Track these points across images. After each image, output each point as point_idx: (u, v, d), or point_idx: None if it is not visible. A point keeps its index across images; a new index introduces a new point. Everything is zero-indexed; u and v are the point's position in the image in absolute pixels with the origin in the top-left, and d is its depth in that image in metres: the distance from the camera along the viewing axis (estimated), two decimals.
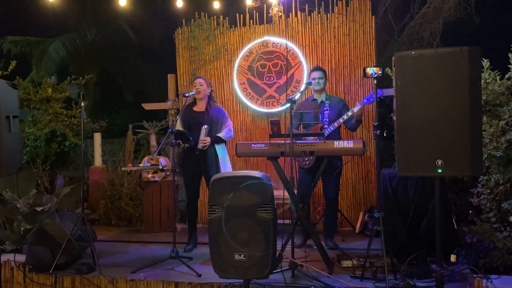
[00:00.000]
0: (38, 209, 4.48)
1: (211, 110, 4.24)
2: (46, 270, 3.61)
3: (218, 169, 4.15)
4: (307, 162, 4.01)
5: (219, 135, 4.19)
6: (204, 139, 4.08)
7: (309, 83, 4.10)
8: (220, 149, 4.23)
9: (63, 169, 7.05)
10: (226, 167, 4.21)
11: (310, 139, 3.82)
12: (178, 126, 4.20)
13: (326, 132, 4.01)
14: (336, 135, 4.12)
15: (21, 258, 3.81)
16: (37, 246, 3.68)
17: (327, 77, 5.15)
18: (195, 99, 4.31)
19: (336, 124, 4.02)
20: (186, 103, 4.20)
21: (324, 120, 4.09)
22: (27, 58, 11.52)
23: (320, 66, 5.11)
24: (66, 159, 7.74)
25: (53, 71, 11.52)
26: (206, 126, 4.10)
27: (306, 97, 4.64)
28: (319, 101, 4.22)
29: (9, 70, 5.83)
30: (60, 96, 6.39)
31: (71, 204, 5.32)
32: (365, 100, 3.90)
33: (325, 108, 4.13)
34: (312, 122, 4.10)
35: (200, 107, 4.29)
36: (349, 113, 3.97)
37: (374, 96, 3.82)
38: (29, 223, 4.39)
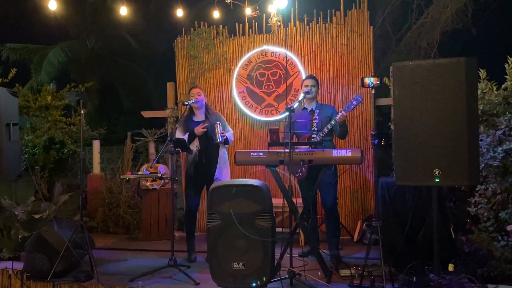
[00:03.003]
0: (36, 216, 4.48)
1: (211, 117, 4.28)
2: (44, 278, 3.60)
3: (221, 173, 4.20)
4: (301, 174, 4.00)
5: (226, 135, 4.22)
6: (222, 132, 4.12)
7: (307, 92, 4.11)
8: (224, 153, 4.27)
9: (61, 176, 7.04)
10: (226, 173, 4.24)
11: (304, 148, 3.82)
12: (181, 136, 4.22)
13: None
14: (329, 143, 4.10)
15: (19, 265, 3.81)
16: (35, 253, 3.67)
17: (326, 87, 5.22)
18: (192, 109, 4.34)
19: (321, 134, 4.00)
20: (185, 114, 4.23)
21: (314, 129, 4.08)
22: (26, 66, 11.56)
23: (319, 75, 5.15)
24: (65, 167, 7.73)
25: (52, 76, 11.55)
26: (218, 122, 4.14)
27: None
28: (309, 109, 4.22)
29: (9, 78, 5.85)
30: (59, 103, 6.40)
31: (69, 212, 5.31)
32: (345, 108, 3.88)
33: (315, 117, 4.13)
34: (302, 131, 4.08)
35: (199, 116, 4.32)
36: (332, 122, 3.95)
37: (353, 103, 3.81)
38: (27, 230, 4.39)
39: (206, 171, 4.19)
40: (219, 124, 4.13)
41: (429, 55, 6.68)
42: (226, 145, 4.25)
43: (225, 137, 4.12)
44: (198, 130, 4.13)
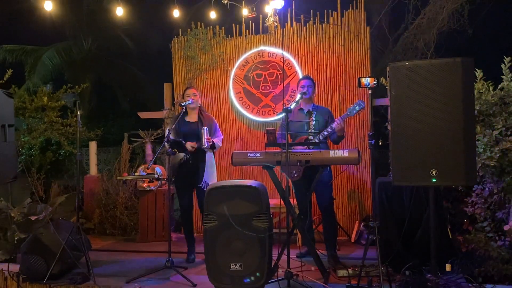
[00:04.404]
0: (33, 218, 4.45)
1: (204, 119, 4.27)
2: (40, 280, 3.58)
3: (209, 177, 4.18)
4: (296, 175, 3.99)
5: (213, 140, 4.20)
6: (209, 138, 4.09)
7: (304, 93, 4.10)
8: (211, 157, 4.26)
9: (58, 177, 7.03)
10: (213, 177, 4.23)
11: (301, 148, 3.81)
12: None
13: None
14: (324, 145, 4.09)
15: (15, 267, 3.78)
16: (31, 255, 3.65)
17: (323, 87, 5.22)
18: (186, 110, 4.32)
19: (320, 137, 3.98)
20: (181, 114, 4.22)
21: (310, 130, 4.07)
22: (22, 67, 11.52)
23: (316, 75, 5.15)
24: (61, 168, 7.71)
25: (47, 79, 11.52)
26: (205, 127, 4.12)
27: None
28: (305, 110, 4.20)
29: (4, 79, 5.82)
30: (55, 104, 6.39)
31: (66, 213, 5.29)
32: (347, 112, 3.88)
33: (311, 119, 4.12)
34: (299, 132, 4.08)
35: (192, 117, 4.30)
36: (329, 129, 3.93)
37: (356, 108, 3.82)
38: (23, 232, 4.36)
39: (194, 172, 4.18)
40: (206, 129, 4.10)
41: (426, 55, 6.69)
42: (213, 150, 4.24)
43: (211, 143, 4.10)
44: (188, 147, 4.12)
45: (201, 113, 4.32)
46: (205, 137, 4.06)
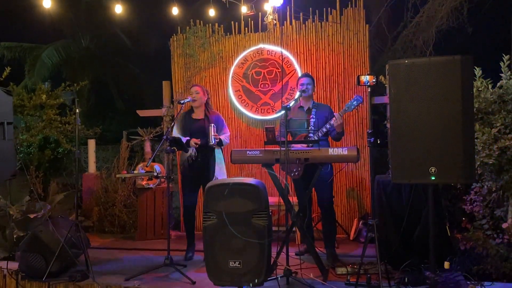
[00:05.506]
0: (31, 216, 4.45)
1: (211, 116, 4.28)
2: (39, 278, 3.58)
3: (219, 173, 4.21)
4: (296, 173, 3.99)
5: (220, 137, 4.22)
6: (216, 134, 4.12)
7: (303, 91, 4.11)
8: (219, 153, 4.27)
9: (56, 175, 7.00)
10: (223, 172, 4.24)
11: (300, 146, 3.81)
12: (178, 135, 4.22)
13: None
14: (324, 143, 4.09)
15: (13, 265, 3.78)
16: (30, 253, 3.65)
17: (322, 85, 5.22)
18: (191, 107, 4.34)
19: (320, 134, 3.99)
20: (182, 111, 4.22)
21: (310, 128, 4.07)
22: (21, 64, 11.50)
23: (315, 73, 5.15)
24: (60, 166, 7.68)
25: (46, 77, 11.50)
26: (213, 124, 4.13)
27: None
28: (305, 108, 4.20)
29: (3, 77, 5.80)
30: (54, 102, 6.37)
31: (65, 211, 5.28)
32: (345, 108, 3.89)
33: (311, 116, 4.12)
34: (298, 130, 4.08)
35: (198, 114, 4.32)
36: (328, 126, 3.95)
37: (354, 103, 3.83)
38: (22, 230, 4.36)
39: (202, 169, 4.19)
40: (213, 126, 4.12)
41: (425, 53, 6.69)
42: (221, 147, 4.25)
43: (218, 140, 4.12)
44: (192, 144, 4.15)
45: (208, 110, 4.33)
46: (212, 133, 4.08)
